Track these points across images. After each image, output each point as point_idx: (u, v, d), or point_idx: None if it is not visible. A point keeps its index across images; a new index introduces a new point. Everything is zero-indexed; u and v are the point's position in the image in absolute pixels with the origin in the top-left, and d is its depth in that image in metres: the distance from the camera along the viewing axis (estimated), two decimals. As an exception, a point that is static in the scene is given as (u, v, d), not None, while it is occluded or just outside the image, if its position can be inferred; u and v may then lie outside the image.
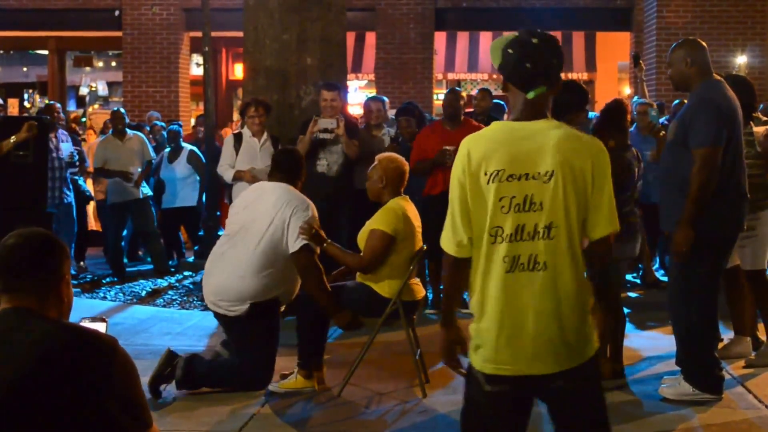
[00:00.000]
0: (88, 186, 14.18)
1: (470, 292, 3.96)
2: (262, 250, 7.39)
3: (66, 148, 12.57)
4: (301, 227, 7.30)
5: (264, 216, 7.43)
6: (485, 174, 3.82)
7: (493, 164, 3.81)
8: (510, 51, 3.91)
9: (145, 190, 13.11)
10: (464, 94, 12.09)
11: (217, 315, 7.71)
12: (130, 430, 3.17)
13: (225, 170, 10.39)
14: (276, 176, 7.73)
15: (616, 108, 7.79)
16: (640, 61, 10.78)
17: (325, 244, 7.46)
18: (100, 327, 3.56)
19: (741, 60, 18.46)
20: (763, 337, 8.35)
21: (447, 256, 3.99)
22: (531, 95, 3.88)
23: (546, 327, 3.81)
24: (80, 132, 18.88)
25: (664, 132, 11.55)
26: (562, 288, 3.81)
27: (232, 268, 7.45)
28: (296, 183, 7.73)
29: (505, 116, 11.97)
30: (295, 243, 7.34)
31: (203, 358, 7.75)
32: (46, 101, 19.79)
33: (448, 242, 3.96)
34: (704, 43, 7.10)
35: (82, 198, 13.64)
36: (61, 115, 13.85)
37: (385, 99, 12.23)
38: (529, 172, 3.80)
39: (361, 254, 7.51)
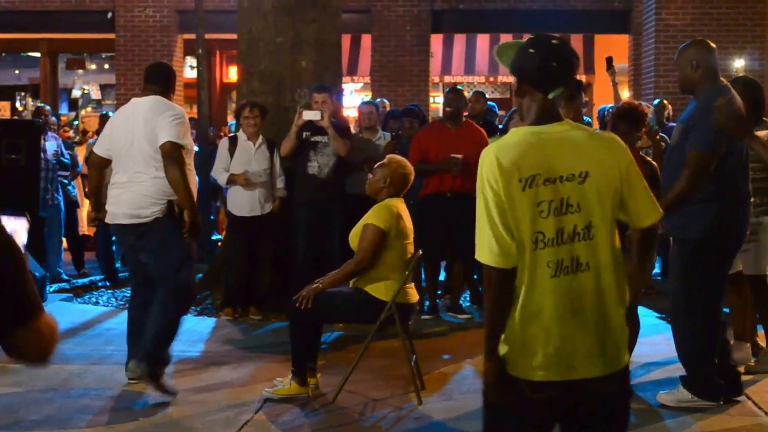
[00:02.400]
0: (78, 190, 14.16)
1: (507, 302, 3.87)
2: (151, 155, 7.62)
3: (50, 146, 12.51)
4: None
5: (140, 131, 7.68)
6: (519, 180, 3.78)
7: (527, 169, 3.79)
8: (532, 51, 3.91)
9: None
10: (466, 92, 12.06)
11: (132, 228, 7.74)
12: (11, 318, 3.00)
13: (219, 174, 10.40)
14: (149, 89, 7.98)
15: (633, 112, 7.78)
16: (613, 65, 10.77)
17: (320, 285, 7.45)
18: (20, 223, 3.45)
19: (739, 63, 18.47)
20: (763, 344, 8.36)
21: (491, 270, 3.83)
22: (552, 95, 3.90)
23: (595, 327, 3.82)
24: (73, 136, 18.90)
25: (660, 134, 11.58)
26: (606, 287, 3.82)
27: (139, 181, 7.66)
28: (169, 95, 7.98)
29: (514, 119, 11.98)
30: (162, 136, 7.56)
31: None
32: (38, 104, 19.81)
33: (491, 255, 3.81)
34: (713, 45, 7.09)
35: (72, 203, 13.63)
36: (53, 119, 13.85)
37: (379, 102, 12.23)
38: (563, 175, 3.80)
39: (355, 253, 7.52)
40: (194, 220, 7.67)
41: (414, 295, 7.73)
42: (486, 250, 3.82)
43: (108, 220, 7.92)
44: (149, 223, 7.67)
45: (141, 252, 7.83)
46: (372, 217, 7.51)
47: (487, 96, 14.08)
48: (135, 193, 7.66)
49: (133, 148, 7.69)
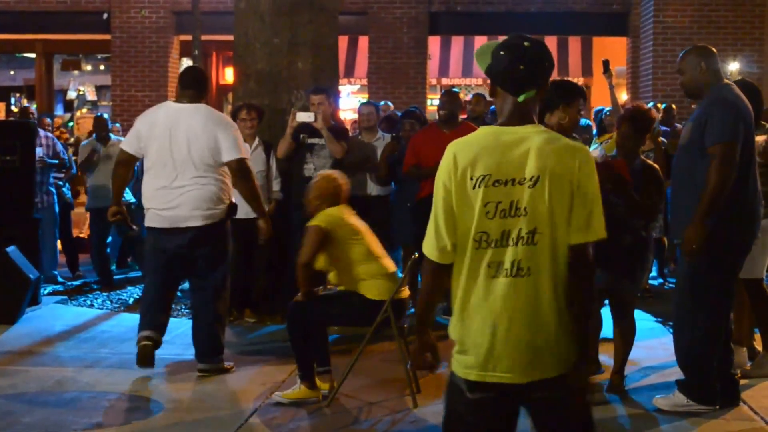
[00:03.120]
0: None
1: (452, 298, 3.94)
2: (210, 164, 8.17)
3: (38, 151, 12.51)
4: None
5: (199, 139, 8.14)
6: (471, 179, 3.83)
7: (479, 169, 3.83)
8: (502, 53, 3.92)
9: (128, 196, 13.06)
10: (462, 95, 12.09)
11: (184, 230, 8.19)
12: None
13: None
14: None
15: (642, 116, 7.78)
16: (610, 68, 10.80)
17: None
18: None
19: (733, 66, 18.49)
20: (759, 348, 8.36)
21: (427, 261, 3.97)
22: (521, 98, 3.90)
23: (530, 334, 3.81)
24: (68, 138, 18.88)
25: (661, 138, 11.59)
26: (544, 293, 3.81)
27: (202, 184, 8.20)
28: (205, 100, 8.51)
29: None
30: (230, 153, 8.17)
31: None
32: (34, 105, 19.81)
33: (430, 248, 3.94)
34: (714, 49, 7.12)
35: (67, 205, 13.64)
36: (47, 119, 13.86)
37: (381, 104, 12.22)
38: (515, 177, 3.81)
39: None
40: (268, 227, 8.74)
41: (405, 291, 7.77)
42: (428, 241, 3.95)
43: (154, 223, 8.31)
44: (204, 227, 8.22)
45: (188, 253, 8.29)
46: (312, 221, 7.61)
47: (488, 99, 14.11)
48: (195, 198, 8.15)
49: (192, 154, 8.11)
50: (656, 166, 7.92)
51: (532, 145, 3.84)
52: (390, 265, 7.79)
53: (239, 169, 8.22)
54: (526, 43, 3.92)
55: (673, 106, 13.85)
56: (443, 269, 3.95)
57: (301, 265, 7.50)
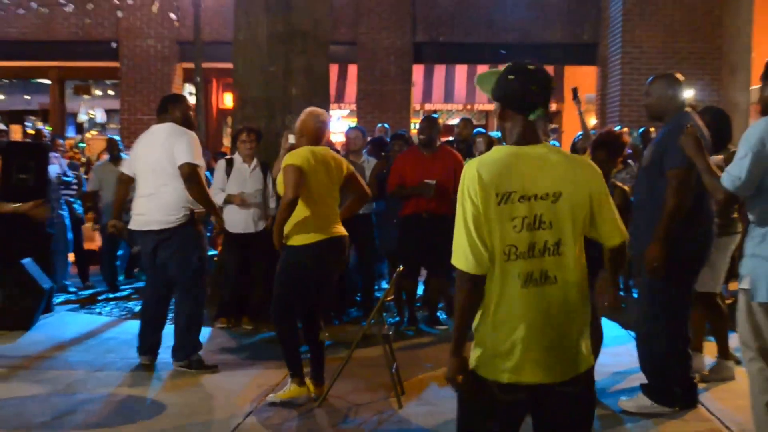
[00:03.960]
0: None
1: (483, 308, 3.92)
2: (168, 172, 8.39)
3: (52, 170, 12.59)
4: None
5: (158, 151, 8.44)
6: (497, 195, 3.82)
7: (504, 186, 3.83)
8: (511, 77, 3.96)
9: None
10: (441, 121, 12.16)
11: (157, 232, 8.48)
12: None
13: (216, 193, 10.41)
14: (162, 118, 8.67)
15: (613, 141, 7.82)
16: (579, 95, 10.87)
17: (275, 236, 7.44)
18: None
19: (689, 94, 18.53)
20: (711, 355, 8.39)
21: (464, 276, 3.88)
22: (533, 117, 3.94)
23: (559, 337, 3.86)
24: (81, 158, 18.86)
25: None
26: (571, 300, 3.87)
27: (164, 193, 8.45)
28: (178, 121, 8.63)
29: (478, 141, 12.07)
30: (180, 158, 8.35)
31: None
32: (48, 128, 19.79)
33: (465, 261, 3.85)
34: (682, 78, 7.17)
35: (78, 220, 13.65)
36: (60, 140, 13.87)
37: (378, 126, 12.21)
38: (537, 193, 3.84)
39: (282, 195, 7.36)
40: (220, 223, 9.14)
41: (341, 230, 7.56)
42: (461, 256, 3.86)
43: (134, 226, 8.62)
44: (173, 228, 8.47)
45: (163, 254, 8.53)
46: (285, 161, 7.37)
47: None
48: (162, 203, 8.41)
49: (155, 164, 8.44)
50: (625, 187, 7.98)
51: (551, 162, 3.89)
52: (329, 212, 7.51)
53: (187, 173, 8.31)
54: (530, 66, 3.97)
55: (651, 129, 13.89)
56: (479, 282, 3.88)
57: (287, 202, 7.19)
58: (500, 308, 3.87)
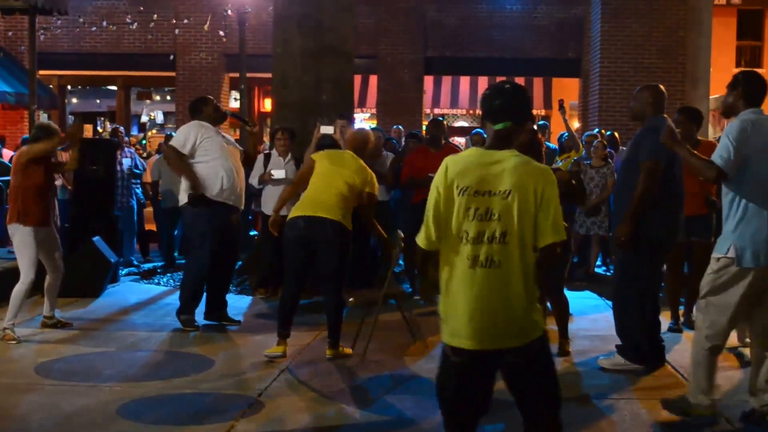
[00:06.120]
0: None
1: (439, 280, 3.97)
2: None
3: (126, 162, 12.66)
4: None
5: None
6: (457, 187, 3.88)
7: (464, 181, 3.88)
8: (487, 92, 4.03)
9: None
10: (445, 123, 12.17)
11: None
12: None
13: (252, 179, 10.40)
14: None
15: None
16: (564, 106, 10.86)
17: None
18: None
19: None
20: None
21: (418, 248, 4.04)
22: (498, 126, 3.95)
23: (497, 311, 3.85)
24: (143, 153, 18.88)
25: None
26: (512, 282, 3.84)
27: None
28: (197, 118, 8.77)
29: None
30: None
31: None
32: (115, 126, 19.82)
33: (421, 237, 4.02)
34: (664, 90, 7.18)
35: (140, 205, 13.67)
36: (126, 138, 13.88)
37: (394, 128, 12.18)
38: (491, 190, 3.85)
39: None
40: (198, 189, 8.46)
41: (328, 214, 7.45)
42: (421, 233, 4.01)
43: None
44: (180, 208, 8.80)
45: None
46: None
47: (466, 125, 14.16)
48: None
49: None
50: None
51: (507, 165, 3.88)
52: (321, 198, 7.48)
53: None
54: (507, 86, 4.02)
55: (616, 133, 13.90)
56: (429, 255, 4.02)
57: (294, 183, 7.98)
58: (451, 282, 3.93)
